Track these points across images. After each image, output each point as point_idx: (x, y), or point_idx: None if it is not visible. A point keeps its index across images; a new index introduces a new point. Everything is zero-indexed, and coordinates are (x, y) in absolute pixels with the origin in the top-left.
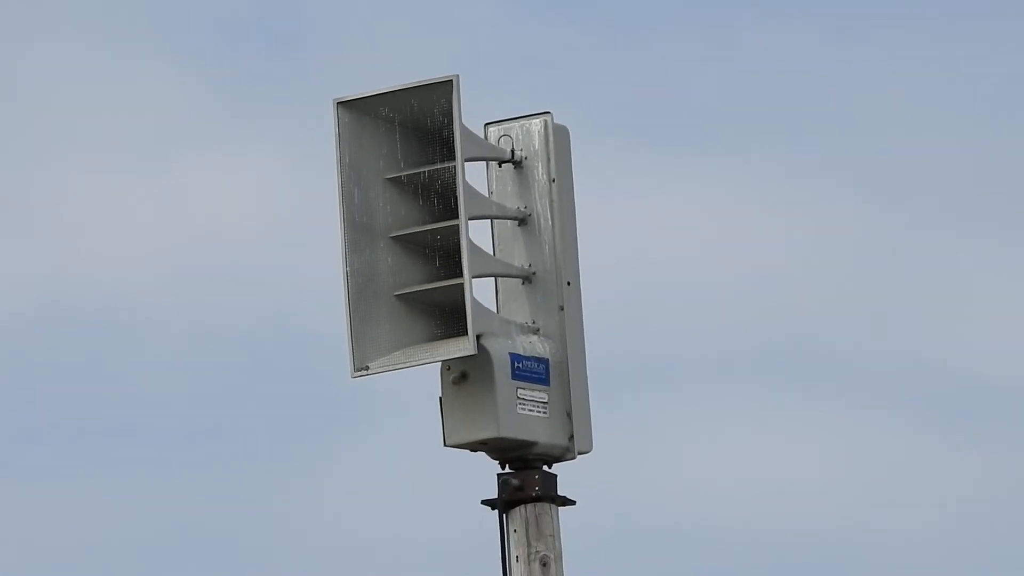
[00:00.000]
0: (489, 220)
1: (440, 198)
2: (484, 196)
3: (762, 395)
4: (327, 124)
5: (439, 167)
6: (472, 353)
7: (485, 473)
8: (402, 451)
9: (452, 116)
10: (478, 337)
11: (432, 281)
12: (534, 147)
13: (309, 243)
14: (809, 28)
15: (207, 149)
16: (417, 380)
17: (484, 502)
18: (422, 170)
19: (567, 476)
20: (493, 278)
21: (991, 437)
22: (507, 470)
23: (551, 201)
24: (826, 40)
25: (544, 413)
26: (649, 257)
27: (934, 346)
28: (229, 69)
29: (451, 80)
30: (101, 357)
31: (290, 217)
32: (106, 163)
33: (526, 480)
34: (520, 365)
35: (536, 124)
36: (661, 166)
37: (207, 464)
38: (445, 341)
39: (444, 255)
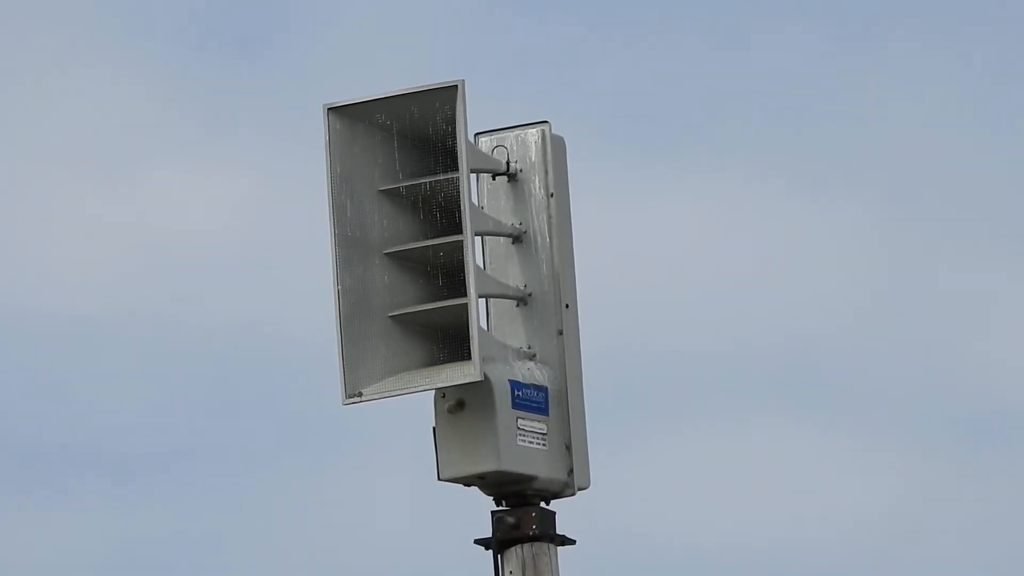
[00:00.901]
0: (481, 237)
1: (443, 212)
2: (484, 211)
3: (775, 427)
4: (316, 131)
5: (441, 178)
6: (478, 380)
7: (478, 509)
8: (389, 485)
9: (456, 124)
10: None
11: (429, 300)
12: (530, 159)
13: (298, 260)
14: (813, 34)
15: (182, 158)
16: (408, 408)
17: (477, 541)
18: (423, 181)
19: (565, 513)
20: (485, 299)
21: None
22: (502, 507)
23: (549, 217)
24: (832, 46)
25: (544, 445)
26: (652, 276)
27: (945, 365)
28: (206, 70)
29: (456, 85)
30: (65, 377)
31: (277, 232)
32: (69, 172)
33: (523, 518)
34: (520, 393)
35: (533, 134)
36: (664, 179)
37: (174, 497)
38: (446, 366)
39: (446, 273)
